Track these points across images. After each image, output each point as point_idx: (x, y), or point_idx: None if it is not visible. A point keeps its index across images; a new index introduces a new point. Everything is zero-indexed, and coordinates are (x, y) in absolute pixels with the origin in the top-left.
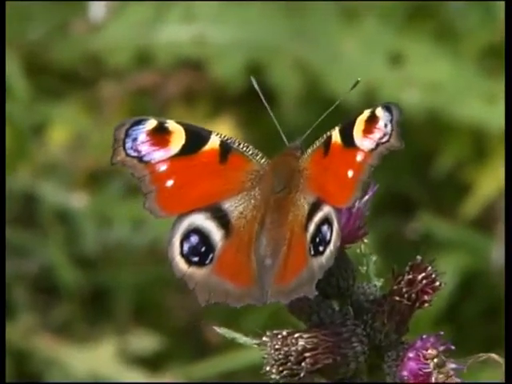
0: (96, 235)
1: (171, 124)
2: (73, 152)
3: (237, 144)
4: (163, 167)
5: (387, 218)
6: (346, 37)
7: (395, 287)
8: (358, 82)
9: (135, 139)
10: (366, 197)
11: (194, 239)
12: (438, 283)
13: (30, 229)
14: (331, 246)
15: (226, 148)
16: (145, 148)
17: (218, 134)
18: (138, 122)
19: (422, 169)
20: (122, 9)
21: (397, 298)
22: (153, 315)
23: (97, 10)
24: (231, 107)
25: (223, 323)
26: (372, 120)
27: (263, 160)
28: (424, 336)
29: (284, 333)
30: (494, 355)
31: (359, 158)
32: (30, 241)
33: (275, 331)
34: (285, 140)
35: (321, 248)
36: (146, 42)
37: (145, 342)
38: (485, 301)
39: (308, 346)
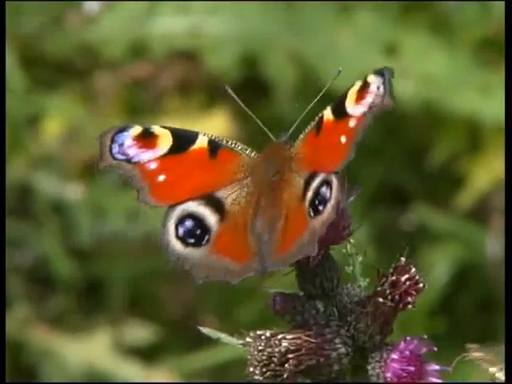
0: (91, 227)
1: (157, 128)
2: (67, 143)
3: (225, 141)
4: (153, 165)
5: (382, 209)
6: (341, 29)
7: (379, 288)
8: (340, 71)
9: (121, 144)
10: (351, 198)
11: (189, 223)
12: (421, 285)
13: (24, 220)
14: (332, 200)
15: (214, 145)
16: (132, 151)
17: (205, 134)
18: (123, 129)
19: (416, 161)
20: (116, 0)
21: (380, 300)
22: (147, 306)
23: (91, 2)
24: (226, 98)
25: (216, 315)
26: (364, 88)
27: (253, 154)
28: (408, 338)
29: (267, 334)
30: (476, 354)
31: (352, 123)
32: (24, 232)
33: (259, 332)
34: (271, 136)
35: (321, 207)
36: (141, 34)
37: (139, 333)
38: (479, 292)
39: (291, 348)
